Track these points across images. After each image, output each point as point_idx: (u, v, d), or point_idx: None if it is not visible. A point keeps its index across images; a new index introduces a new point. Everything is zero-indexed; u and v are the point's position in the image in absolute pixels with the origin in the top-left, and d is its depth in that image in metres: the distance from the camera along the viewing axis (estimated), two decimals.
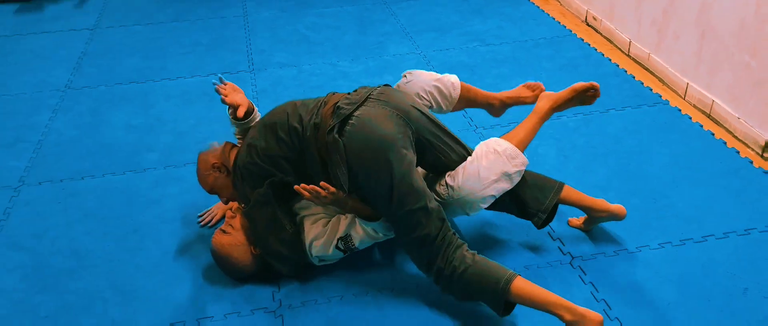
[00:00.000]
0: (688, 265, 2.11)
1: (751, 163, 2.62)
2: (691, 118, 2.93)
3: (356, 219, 1.99)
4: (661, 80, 3.26)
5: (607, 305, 1.97)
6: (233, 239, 2.06)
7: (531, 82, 2.40)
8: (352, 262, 2.16)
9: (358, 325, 1.94)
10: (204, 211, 2.40)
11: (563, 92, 2.21)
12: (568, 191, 2.14)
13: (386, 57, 3.63)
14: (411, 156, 1.91)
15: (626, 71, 3.36)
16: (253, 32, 4.00)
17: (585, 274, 2.09)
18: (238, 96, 2.19)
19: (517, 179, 2.06)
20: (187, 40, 3.94)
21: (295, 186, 1.90)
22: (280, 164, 1.99)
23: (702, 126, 2.87)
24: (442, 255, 1.87)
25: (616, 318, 1.93)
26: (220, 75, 2.38)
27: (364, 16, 4.19)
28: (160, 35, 4.03)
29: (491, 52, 3.64)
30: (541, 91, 2.33)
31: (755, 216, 2.32)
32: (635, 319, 1.92)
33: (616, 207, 2.15)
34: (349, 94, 2.03)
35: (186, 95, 3.30)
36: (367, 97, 1.97)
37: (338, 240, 2.00)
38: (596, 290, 2.03)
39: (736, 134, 2.79)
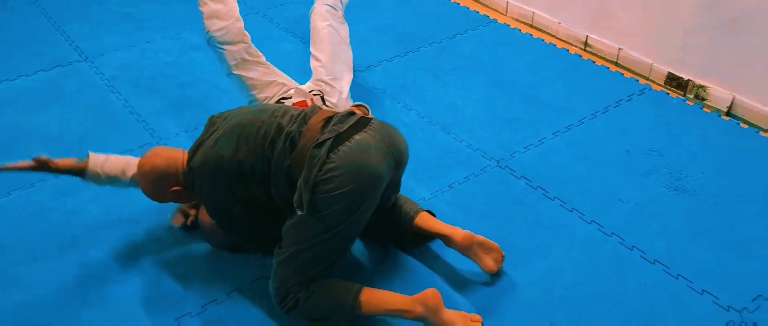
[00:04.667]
0: (581, 144, 2.59)
1: (581, 57, 3.20)
2: (520, 31, 3.44)
3: None
4: (482, 3, 3.71)
5: (544, 189, 2.36)
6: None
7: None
8: None
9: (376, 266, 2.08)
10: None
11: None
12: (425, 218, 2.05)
13: None
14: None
15: (450, 0, 3.75)
16: (59, 19, 3.60)
17: (514, 171, 2.46)
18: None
19: None
20: None
21: None
22: (247, 177, 1.83)
23: (532, 35, 3.39)
24: (300, 288, 1.79)
25: (556, 197, 2.33)
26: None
27: None
28: None
29: None
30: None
31: (603, 96, 2.89)
32: (568, 194, 2.34)
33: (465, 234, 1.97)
34: (339, 113, 1.87)
35: (27, 98, 2.93)
36: (367, 123, 1.83)
37: None
38: (529, 181, 2.41)
39: (559, 37, 3.36)
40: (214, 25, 2.36)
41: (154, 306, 1.94)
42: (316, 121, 1.81)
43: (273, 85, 2.39)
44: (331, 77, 2.48)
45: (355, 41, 3.32)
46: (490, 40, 3.34)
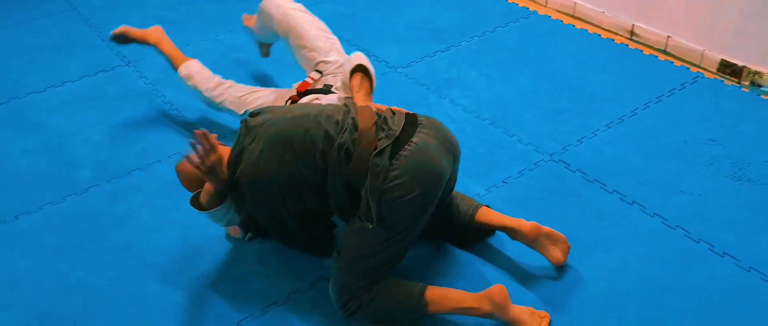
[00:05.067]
0: (636, 135, 2.52)
1: (627, 46, 3.13)
2: (562, 21, 3.37)
3: None
4: None
5: (601, 182, 2.30)
6: None
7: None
8: None
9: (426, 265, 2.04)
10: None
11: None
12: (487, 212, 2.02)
13: None
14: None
15: None
16: (98, 24, 3.61)
17: (569, 165, 2.40)
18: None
19: None
20: (22, 47, 3.43)
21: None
22: (298, 187, 1.77)
23: (574, 26, 3.33)
24: (363, 291, 1.78)
25: (615, 190, 2.27)
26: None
27: None
28: None
29: None
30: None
31: (654, 86, 2.81)
32: (627, 186, 2.28)
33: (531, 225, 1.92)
34: (382, 112, 1.82)
35: (72, 104, 2.93)
36: (416, 121, 1.78)
37: None
38: (585, 174, 2.35)
39: (603, 26, 3.29)
40: (201, 94, 2.54)
41: (213, 311, 1.93)
42: (366, 126, 1.74)
43: (281, 99, 2.38)
44: (324, 56, 2.37)
45: (393, 38, 3.32)
46: (532, 32, 3.28)
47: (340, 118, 1.80)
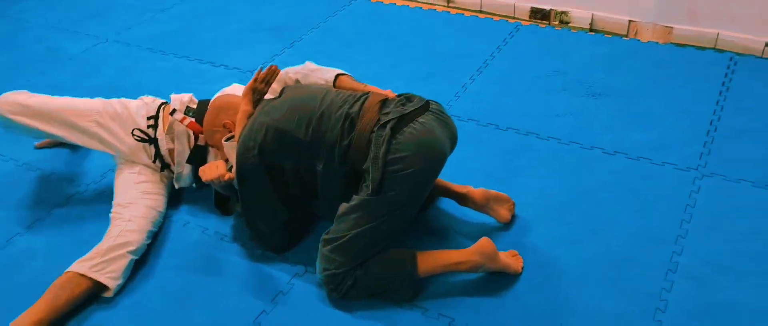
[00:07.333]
0: (498, 80, 2.85)
1: (450, 13, 3.47)
2: (383, 2, 3.61)
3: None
4: None
5: (494, 124, 2.57)
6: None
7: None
8: None
9: None
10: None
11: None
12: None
13: (89, 41, 3.23)
14: None
15: None
16: None
17: (459, 117, 2.62)
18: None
19: None
20: None
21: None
22: (287, 147, 1.81)
23: (396, 4, 3.59)
24: (360, 267, 1.80)
25: (508, 127, 2.55)
26: None
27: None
28: None
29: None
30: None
31: (489, 40, 3.17)
32: (515, 122, 2.57)
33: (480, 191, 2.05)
34: (399, 96, 1.90)
35: None
36: (427, 108, 1.83)
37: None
38: (477, 121, 2.59)
39: (420, 0, 3.60)
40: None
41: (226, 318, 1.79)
42: (373, 102, 1.81)
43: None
44: (137, 110, 2.22)
45: (233, 44, 3.28)
46: (361, 17, 3.47)
47: (351, 94, 1.88)
